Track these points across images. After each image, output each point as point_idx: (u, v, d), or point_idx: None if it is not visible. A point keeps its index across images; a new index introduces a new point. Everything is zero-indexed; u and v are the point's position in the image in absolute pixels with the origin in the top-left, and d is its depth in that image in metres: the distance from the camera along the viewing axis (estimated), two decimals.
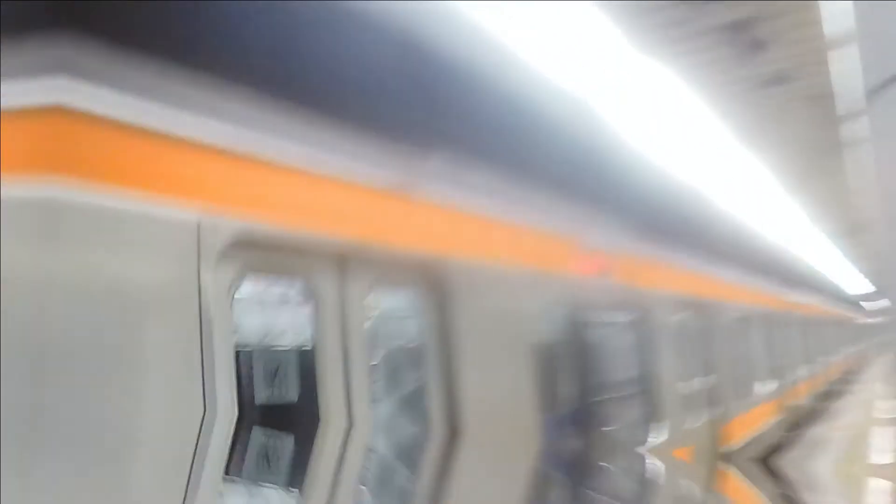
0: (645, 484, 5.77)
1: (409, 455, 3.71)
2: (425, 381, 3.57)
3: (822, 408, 24.66)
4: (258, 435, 3.65)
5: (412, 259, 3.53)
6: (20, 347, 2.27)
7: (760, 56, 6.26)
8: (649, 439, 6.10)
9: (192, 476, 2.48)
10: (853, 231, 19.38)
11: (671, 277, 7.96)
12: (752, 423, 12.27)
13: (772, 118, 8.54)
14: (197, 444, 2.47)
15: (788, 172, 11.50)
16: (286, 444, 3.75)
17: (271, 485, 3.52)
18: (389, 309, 3.73)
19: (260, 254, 2.88)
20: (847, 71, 7.73)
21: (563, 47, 6.33)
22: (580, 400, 5.35)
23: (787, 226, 17.29)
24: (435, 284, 3.66)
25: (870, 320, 60.81)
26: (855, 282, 40.31)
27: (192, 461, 2.49)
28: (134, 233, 2.55)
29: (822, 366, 27.35)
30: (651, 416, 6.59)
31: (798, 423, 18.92)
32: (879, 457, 15.03)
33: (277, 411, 3.67)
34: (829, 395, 28.46)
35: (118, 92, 2.49)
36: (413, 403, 3.69)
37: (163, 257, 2.59)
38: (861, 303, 56.77)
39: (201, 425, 2.63)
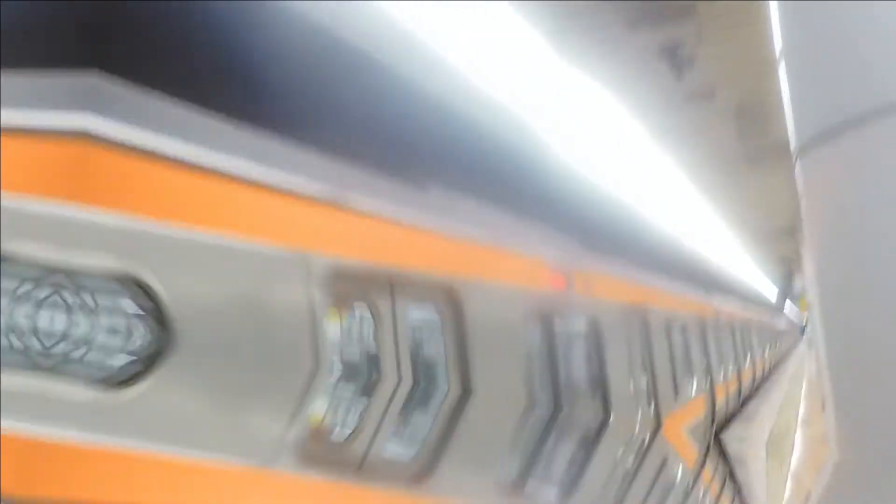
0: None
1: None
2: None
3: (742, 409, 25.29)
4: None
5: (434, 280, 4.33)
6: None
7: (689, 72, 6.49)
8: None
9: None
10: (768, 238, 19.98)
11: (614, 287, 8.86)
12: (685, 418, 12.81)
13: (696, 131, 8.84)
14: None
15: (711, 182, 11.88)
16: None
17: None
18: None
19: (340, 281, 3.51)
20: (772, 89, 8.07)
21: (497, 61, 6.51)
22: (552, 394, 6.10)
23: (708, 234, 17.78)
24: (453, 301, 4.40)
25: (784, 322, 62.26)
26: (770, 288, 41.44)
27: None
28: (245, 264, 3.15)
29: (744, 366, 28.11)
30: (604, 409, 7.48)
31: (720, 423, 19.48)
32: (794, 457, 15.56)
33: None
34: (749, 396, 29.20)
35: (141, 126, 2.73)
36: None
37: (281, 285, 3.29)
38: (778, 307, 58.08)
39: None
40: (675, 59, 6.62)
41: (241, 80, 3.11)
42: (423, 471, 4.06)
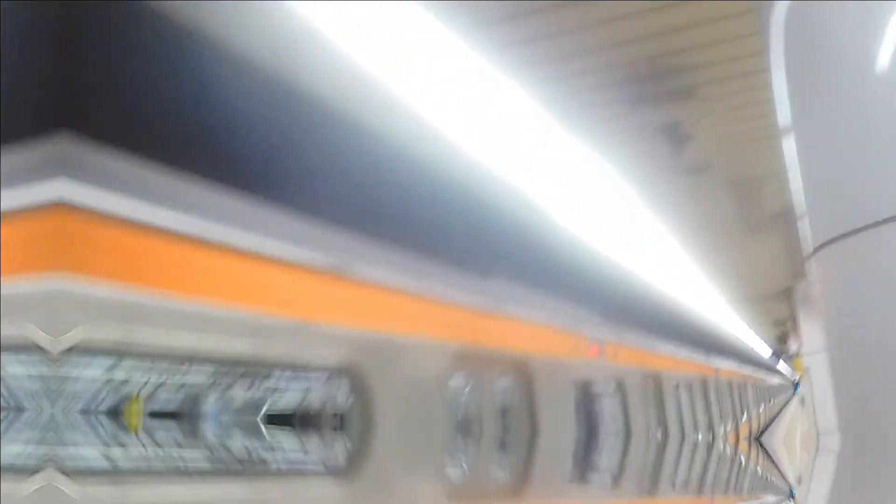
0: None
1: None
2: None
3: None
4: None
5: (510, 357, 6.12)
6: None
7: (687, 147, 6.65)
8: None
9: None
10: (763, 301, 20.10)
11: (634, 355, 10.84)
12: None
13: (694, 201, 9.00)
14: None
15: (708, 249, 12.02)
16: None
17: None
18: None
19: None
20: (766, 164, 8.27)
21: (494, 132, 6.64)
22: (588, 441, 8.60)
23: (704, 299, 17.88)
24: (524, 372, 6.34)
25: (779, 381, 62.12)
26: (761, 346, 41.43)
27: None
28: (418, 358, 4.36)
29: (746, 419, 28.28)
30: (625, 458, 9.77)
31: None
32: None
33: None
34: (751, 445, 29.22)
35: (117, 190, 2.75)
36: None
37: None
38: (772, 365, 57.95)
39: None
40: (675, 136, 6.79)
41: (217, 144, 3.14)
42: (518, 486, 5.80)
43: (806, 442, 27.39)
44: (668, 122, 6.59)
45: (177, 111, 2.99)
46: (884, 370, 2.62)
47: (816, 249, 2.77)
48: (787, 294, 17.84)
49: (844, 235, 2.69)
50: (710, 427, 23.78)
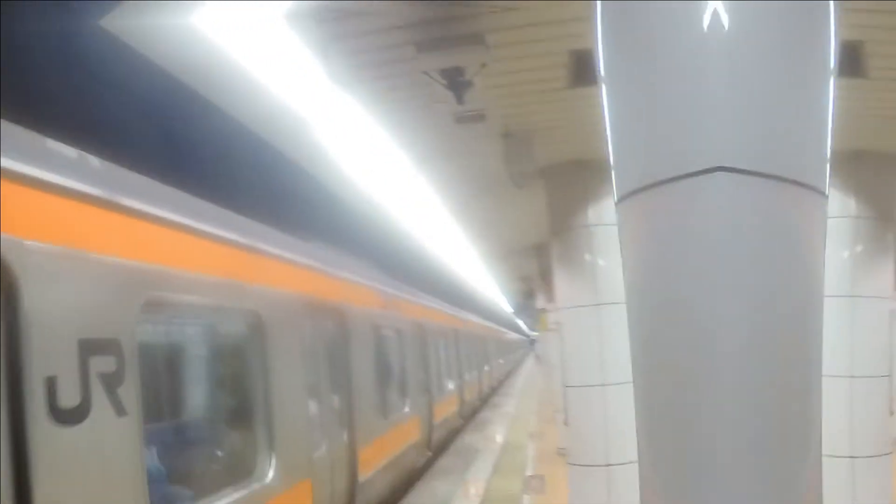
0: None
1: None
2: None
3: (472, 419, 26.04)
4: None
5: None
6: None
7: (465, 95, 6.61)
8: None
9: None
10: (516, 257, 20.67)
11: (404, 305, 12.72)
12: (394, 442, 13.03)
13: (465, 152, 9.02)
14: None
15: (470, 202, 12.17)
16: None
17: None
18: None
19: None
20: (540, 119, 8.38)
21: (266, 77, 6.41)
22: None
23: (458, 252, 18.18)
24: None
25: (517, 336, 64.52)
26: (506, 301, 42.99)
27: None
28: None
29: (474, 378, 28.97)
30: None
31: (447, 436, 19.94)
32: (529, 468, 16.14)
33: None
34: (482, 407, 30.12)
35: None
36: None
37: None
38: (518, 321, 60.17)
39: None
40: (455, 82, 6.72)
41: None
42: None
43: (544, 398, 28.51)
44: (450, 67, 6.50)
45: None
46: (673, 323, 2.68)
47: (620, 200, 2.79)
48: (539, 250, 18.40)
49: (647, 187, 2.73)
50: (460, 375, 24.45)
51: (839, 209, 9.21)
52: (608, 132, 2.84)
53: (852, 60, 6.58)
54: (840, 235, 9.35)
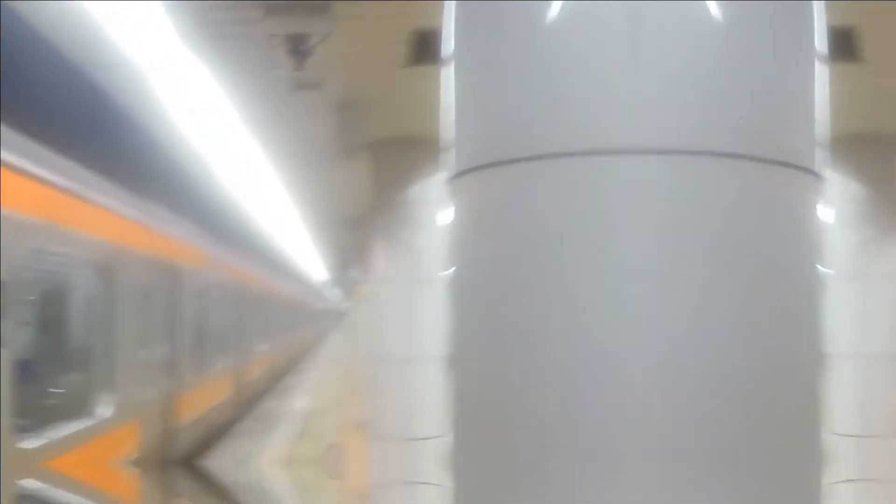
0: None
1: None
2: None
3: (277, 384, 25.89)
4: None
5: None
6: None
7: (306, 62, 6.68)
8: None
9: None
10: (336, 228, 20.69)
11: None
12: (208, 396, 13.10)
13: (298, 121, 9.07)
14: None
15: (298, 169, 12.21)
16: None
17: None
18: None
19: None
20: (380, 91, 8.51)
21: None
22: None
23: (280, 218, 18.10)
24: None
25: (326, 306, 64.28)
26: (319, 270, 42.90)
27: None
28: None
29: (281, 343, 28.82)
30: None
31: (252, 398, 19.84)
32: (331, 437, 16.23)
33: None
34: (285, 373, 29.89)
35: None
36: None
37: None
38: (322, 290, 59.88)
39: None
40: (297, 49, 6.77)
41: None
42: None
43: (351, 368, 28.60)
44: (296, 33, 6.56)
45: None
46: (492, 302, 2.71)
47: (455, 176, 2.85)
48: (359, 222, 18.42)
49: (482, 167, 2.78)
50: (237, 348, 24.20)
51: (848, 192, 9.24)
52: (452, 109, 2.89)
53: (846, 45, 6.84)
54: (849, 217, 9.22)
